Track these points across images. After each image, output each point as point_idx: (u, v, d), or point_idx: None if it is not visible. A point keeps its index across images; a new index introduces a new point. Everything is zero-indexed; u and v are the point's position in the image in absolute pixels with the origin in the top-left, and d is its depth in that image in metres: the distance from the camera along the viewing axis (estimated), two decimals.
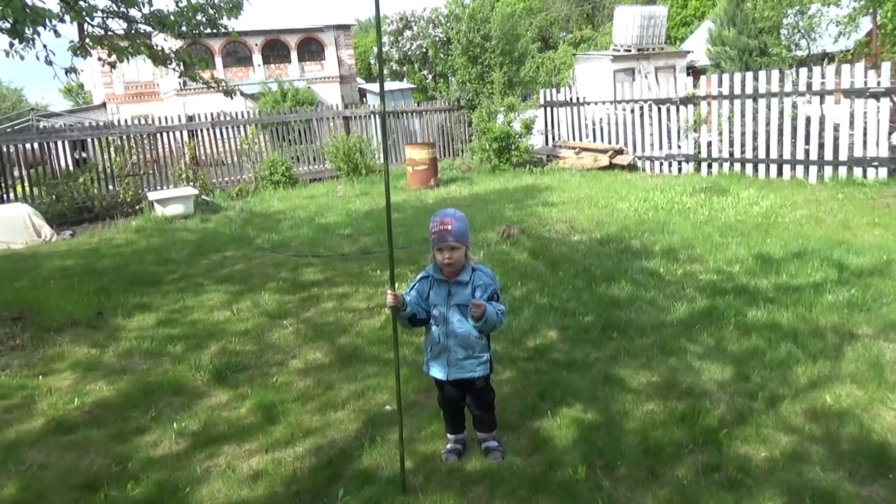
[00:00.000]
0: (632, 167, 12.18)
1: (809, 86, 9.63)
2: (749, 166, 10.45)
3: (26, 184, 11.97)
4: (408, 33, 27.22)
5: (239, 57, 26.75)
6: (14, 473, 3.22)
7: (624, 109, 12.50)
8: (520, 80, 16.29)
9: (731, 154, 10.71)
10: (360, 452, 3.19)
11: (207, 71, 7.73)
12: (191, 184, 12.57)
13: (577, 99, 13.66)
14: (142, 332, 5.22)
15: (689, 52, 24.04)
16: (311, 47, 27.96)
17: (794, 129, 9.82)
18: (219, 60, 25.64)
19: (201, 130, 13.59)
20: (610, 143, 12.82)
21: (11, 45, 5.93)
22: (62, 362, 4.69)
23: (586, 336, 4.45)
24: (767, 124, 10.10)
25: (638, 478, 2.87)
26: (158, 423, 3.65)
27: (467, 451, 3.15)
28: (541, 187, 10.69)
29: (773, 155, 10.12)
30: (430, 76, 23.59)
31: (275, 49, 27.30)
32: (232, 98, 7.68)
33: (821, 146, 9.58)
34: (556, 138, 14.07)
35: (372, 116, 15.42)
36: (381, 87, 2.82)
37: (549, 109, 14.13)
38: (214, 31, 7.06)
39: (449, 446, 3.15)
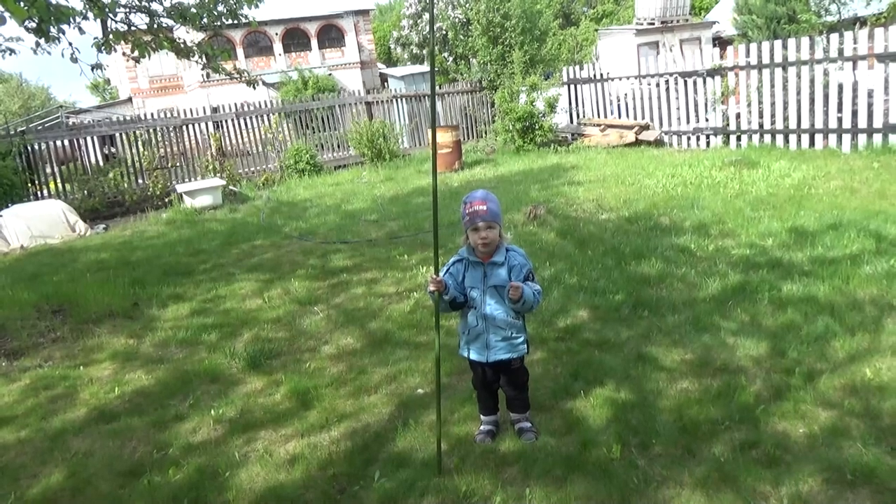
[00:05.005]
0: (658, 143, 11.99)
1: (841, 51, 9.33)
2: (780, 137, 10.21)
3: (58, 180, 12.23)
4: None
5: (260, 47, 26.81)
6: (61, 461, 3.32)
7: (649, 84, 12.28)
8: (541, 59, 16.11)
9: (761, 125, 10.48)
10: (394, 435, 3.23)
11: (230, 62, 7.79)
12: (218, 175, 12.73)
13: (601, 75, 13.45)
14: (177, 321, 5.33)
15: (714, 22, 23.42)
16: (330, 34, 27.91)
17: (826, 97, 9.54)
18: (240, 51, 25.73)
19: (226, 121, 13.71)
20: (635, 118, 12.63)
21: (38, 43, 6.03)
22: (101, 353, 4.81)
23: (617, 315, 4.42)
24: (798, 93, 9.83)
25: (674, 456, 2.85)
26: (196, 411, 3.73)
27: (501, 432, 3.16)
28: (566, 166, 10.59)
29: (805, 125, 9.87)
30: (451, 58, 23.43)
31: (295, 37, 27.30)
32: (255, 88, 7.73)
33: (854, 114, 9.31)
34: (581, 116, 13.89)
35: (394, 101, 15.39)
36: (432, 70, 2.76)
37: (572, 87, 13.95)
38: (235, 21, 7.10)
39: (483, 428, 3.16)
